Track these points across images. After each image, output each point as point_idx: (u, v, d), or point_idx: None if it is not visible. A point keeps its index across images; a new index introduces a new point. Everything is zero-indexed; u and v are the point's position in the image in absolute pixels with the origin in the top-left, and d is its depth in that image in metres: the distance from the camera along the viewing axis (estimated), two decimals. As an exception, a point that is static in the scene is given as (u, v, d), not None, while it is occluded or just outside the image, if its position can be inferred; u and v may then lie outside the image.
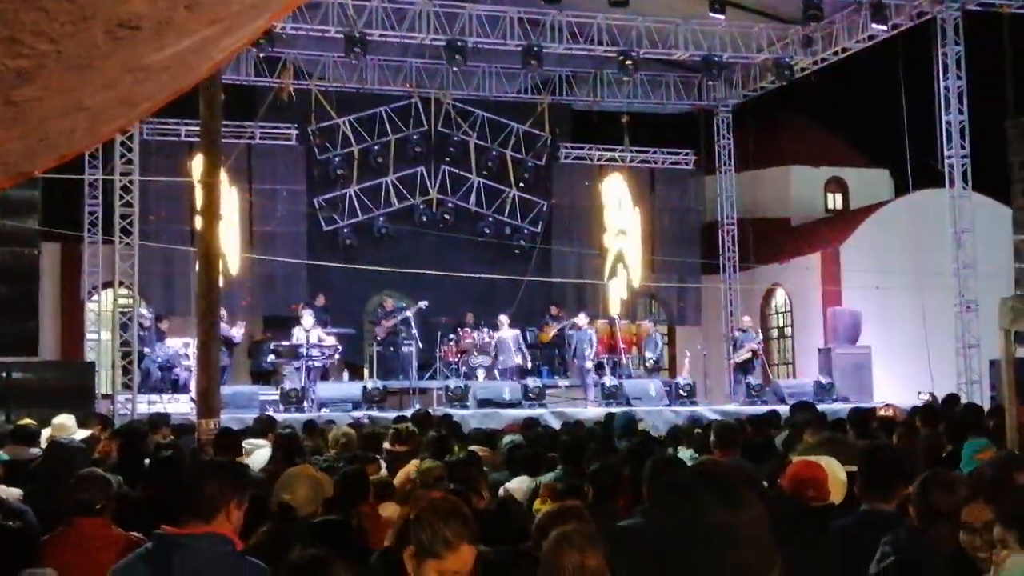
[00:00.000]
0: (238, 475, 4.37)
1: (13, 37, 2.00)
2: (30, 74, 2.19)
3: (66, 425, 10.63)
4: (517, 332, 23.19)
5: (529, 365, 23.08)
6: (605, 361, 23.48)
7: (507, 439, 10.30)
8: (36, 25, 1.96)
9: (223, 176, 17.62)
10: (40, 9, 1.90)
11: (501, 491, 7.79)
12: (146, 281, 22.53)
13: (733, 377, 24.67)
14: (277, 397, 19.97)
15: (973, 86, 22.71)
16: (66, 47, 2.09)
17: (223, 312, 21.61)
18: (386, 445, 10.15)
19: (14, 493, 7.15)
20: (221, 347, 21.30)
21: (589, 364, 23.23)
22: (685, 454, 9.83)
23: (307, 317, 21.19)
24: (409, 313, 22.21)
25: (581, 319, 23.68)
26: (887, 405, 16.47)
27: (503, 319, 23.09)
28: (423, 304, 22.32)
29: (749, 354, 23.72)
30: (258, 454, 9.82)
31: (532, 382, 21.41)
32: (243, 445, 10.77)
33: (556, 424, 16.22)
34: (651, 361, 24.23)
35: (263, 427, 12.01)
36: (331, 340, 21.53)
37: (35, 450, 9.88)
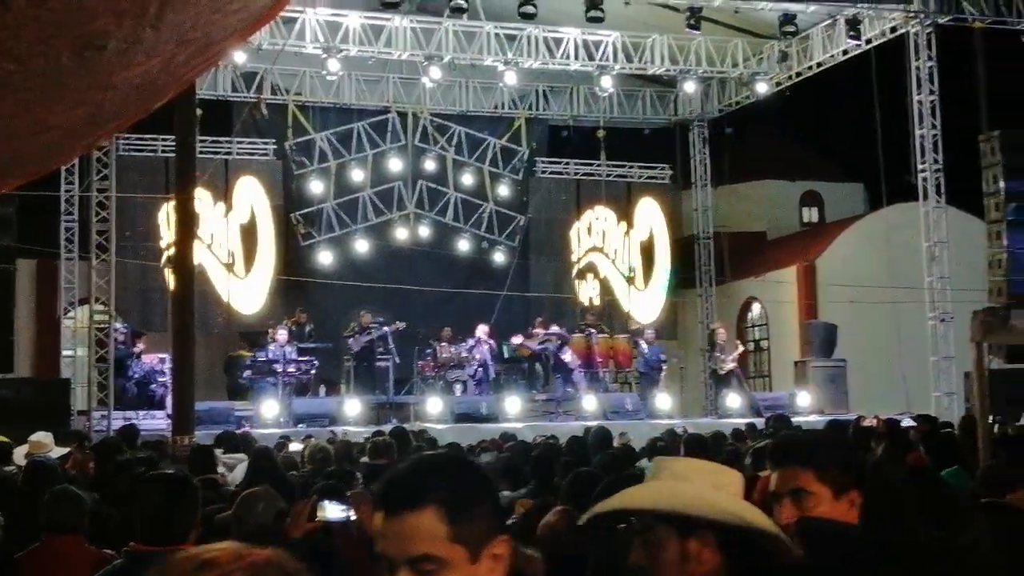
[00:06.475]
0: (195, 495, 4.32)
1: (-22, 56, 2.00)
2: (-4, 92, 2.20)
3: (43, 443, 10.54)
4: (492, 343, 22.95)
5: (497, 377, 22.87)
6: (583, 374, 23.35)
7: (484, 455, 10.32)
8: (0, 44, 1.97)
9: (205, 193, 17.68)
10: (3, 28, 1.90)
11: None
12: (122, 297, 22.41)
13: (711, 390, 24.58)
14: (253, 413, 19.88)
15: (946, 100, 22.84)
16: (31, 65, 2.09)
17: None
18: (364, 459, 10.13)
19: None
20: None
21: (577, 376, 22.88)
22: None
23: (281, 334, 21.14)
24: (386, 330, 22.13)
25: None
26: (874, 416, 16.41)
27: (482, 328, 22.85)
28: (401, 324, 22.23)
29: (734, 364, 23.59)
30: (239, 469, 9.79)
31: (509, 397, 21.37)
32: (224, 460, 10.74)
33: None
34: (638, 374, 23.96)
35: (238, 442, 11.95)
36: (306, 356, 21.47)
37: (10, 468, 9.82)
